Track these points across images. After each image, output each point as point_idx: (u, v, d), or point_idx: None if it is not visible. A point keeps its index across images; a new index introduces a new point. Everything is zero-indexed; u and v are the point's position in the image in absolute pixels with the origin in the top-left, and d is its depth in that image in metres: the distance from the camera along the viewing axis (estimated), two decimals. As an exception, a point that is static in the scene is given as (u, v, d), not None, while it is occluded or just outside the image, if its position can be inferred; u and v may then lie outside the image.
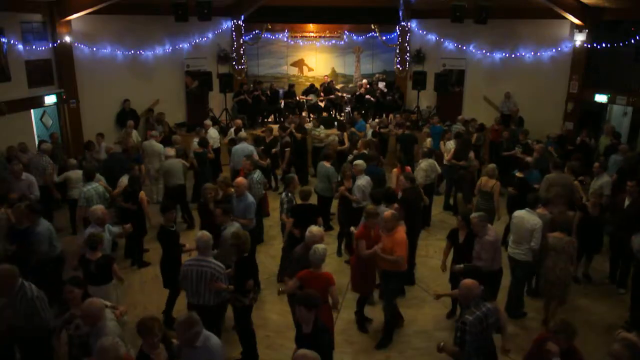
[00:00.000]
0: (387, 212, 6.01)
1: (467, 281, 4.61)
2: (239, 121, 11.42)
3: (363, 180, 7.73)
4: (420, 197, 7.61)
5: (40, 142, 10.11)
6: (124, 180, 8.09)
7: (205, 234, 5.36)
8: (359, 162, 8.03)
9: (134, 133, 11.58)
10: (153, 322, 3.90)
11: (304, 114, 14.51)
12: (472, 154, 9.86)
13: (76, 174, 8.66)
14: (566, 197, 7.68)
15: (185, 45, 13.63)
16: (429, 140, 11.04)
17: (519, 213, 6.59)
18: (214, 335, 4.06)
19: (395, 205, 6.78)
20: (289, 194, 7.25)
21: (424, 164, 8.92)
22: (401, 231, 5.98)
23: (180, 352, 4.00)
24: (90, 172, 7.92)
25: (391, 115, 14.45)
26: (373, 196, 6.90)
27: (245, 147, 9.72)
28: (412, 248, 7.23)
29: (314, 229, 5.64)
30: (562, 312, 6.35)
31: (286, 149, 10.53)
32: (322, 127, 11.98)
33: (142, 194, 7.74)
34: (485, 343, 4.54)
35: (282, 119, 13.75)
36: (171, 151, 9.44)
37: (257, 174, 8.20)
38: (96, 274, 5.44)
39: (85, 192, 7.55)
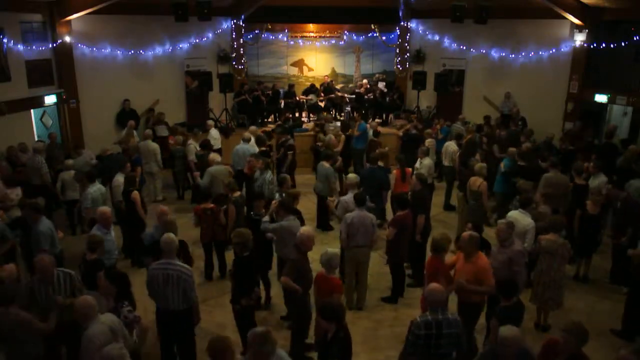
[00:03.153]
0: (465, 234, 5.50)
1: (433, 285, 4.54)
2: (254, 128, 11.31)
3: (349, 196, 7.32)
4: (430, 198, 7.59)
5: (37, 142, 10.12)
6: (119, 179, 8.09)
7: (170, 236, 5.21)
8: (351, 176, 7.81)
9: (134, 133, 11.57)
10: (225, 342, 3.77)
11: (304, 113, 14.53)
12: (478, 155, 9.83)
13: (69, 174, 8.65)
14: (560, 197, 7.66)
15: (185, 45, 13.62)
16: (429, 140, 11.03)
17: (513, 214, 6.63)
18: (282, 353, 3.87)
19: (406, 211, 6.77)
20: (282, 194, 7.27)
21: (426, 161, 8.93)
22: (483, 257, 5.42)
23: None
24: (92, 173, 7.92)
25: (391, 116, 14.48)
26: (356, 198, 6.82)
27: (247, 148, 9.72)
28: (422, 250, 7.33)
29: (303, 229, 5.65)
30: (559, 314, 6.35)
31: (289, 152, 10.48)
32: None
33: (135, 193, 7.69)
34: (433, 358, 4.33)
35: (281, 120, 13.73)
36: (217, 157, 9.19)
37: (269, 174, 8.24)
38: (85, 276, 5.42)
39: (91, 194, 7.56)
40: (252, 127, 11.11)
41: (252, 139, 10.03)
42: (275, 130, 11.08)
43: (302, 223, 6.75)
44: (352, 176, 7.77)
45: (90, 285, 5.40)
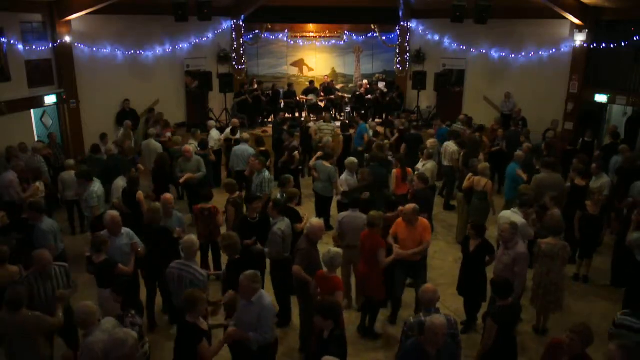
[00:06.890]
0: (409, 206, 6.17)
1: (428, 286, 4.53)
2: (235, 120, 11.40)
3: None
4: (433, 198, 7.57)
5: (37, 142, 10.11)
6: (119, 182, 8.03)
7: (192, 237, 5.25)
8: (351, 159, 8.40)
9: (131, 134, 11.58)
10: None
11: (304, 113, 14.53)
12: (481, 156, 9.79)
13: (69, 174, 8.64)
14: (557, 198, 7.62)
15: (185, 45, 13.62)
16: (431, 140, 10.98)
17: (505, 213, 6.65)
18: (267, 295, 4.58)
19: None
20: (284, 195, 7.26)
21: (429, 164, 8.89)
22: (423, 220, 6.26)
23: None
24: (88, 172, 7.89)
25: (391, 116, 14.47)
26: (353, 201, 6.79)
27: (245, 148, 9.70)
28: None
29: (314, 221, 5.64)
30: (558, 316, 6.33)
31: (294, 153, 10.42)
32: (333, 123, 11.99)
33: (139, 194, 7.58)
34: None
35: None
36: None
37: (267, 173, 8.24)
38: (99, 276, 5.41)
39: (96, 191, 7.55)
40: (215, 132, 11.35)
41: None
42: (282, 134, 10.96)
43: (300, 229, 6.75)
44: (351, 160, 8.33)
45: (105, 283, 5.37)
